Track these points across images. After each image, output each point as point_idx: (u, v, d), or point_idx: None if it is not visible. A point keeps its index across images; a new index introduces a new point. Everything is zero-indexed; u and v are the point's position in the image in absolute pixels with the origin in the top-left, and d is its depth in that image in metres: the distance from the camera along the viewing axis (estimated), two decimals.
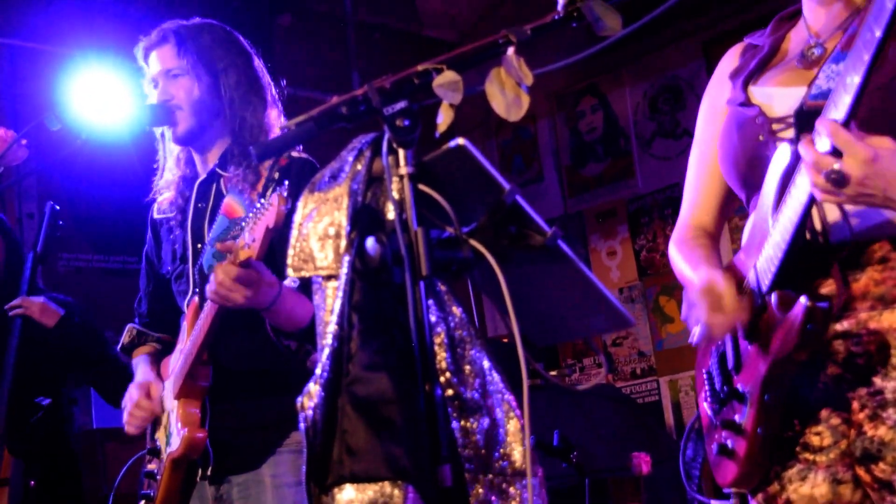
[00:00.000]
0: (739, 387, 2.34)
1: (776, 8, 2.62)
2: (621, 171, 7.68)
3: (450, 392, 1.94)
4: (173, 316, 3.51)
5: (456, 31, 7.95)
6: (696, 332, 2.38)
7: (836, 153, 2.01)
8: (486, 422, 1.96)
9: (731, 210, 2.68)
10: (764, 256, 2.24)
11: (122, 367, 4.43)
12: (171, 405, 3.32)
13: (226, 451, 3.27)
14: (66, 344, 4.47)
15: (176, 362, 3.37)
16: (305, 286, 2.77)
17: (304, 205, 2.00)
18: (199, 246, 3.38)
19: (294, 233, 1.99)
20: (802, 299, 2.11)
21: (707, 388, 2.52)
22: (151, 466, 3.42)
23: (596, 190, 7.75)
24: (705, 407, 2.54)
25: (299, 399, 1.84)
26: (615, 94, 7.74)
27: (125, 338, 3.67)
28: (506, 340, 7.08)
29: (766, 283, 2.24)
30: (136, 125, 3.60)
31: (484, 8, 7.84)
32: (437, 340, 1.95)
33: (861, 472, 2.26)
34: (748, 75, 2.45)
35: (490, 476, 1.95)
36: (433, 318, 1.96)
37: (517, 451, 1.96)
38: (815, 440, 2.32)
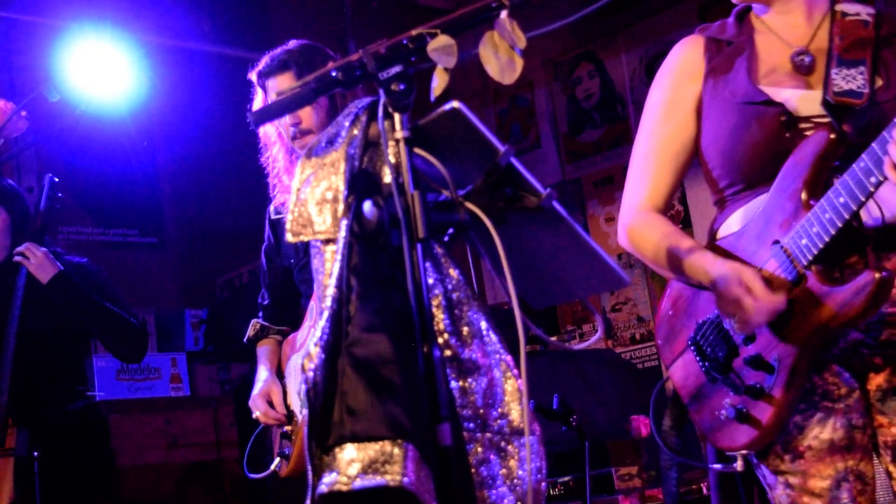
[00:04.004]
0: (762, 355, 2.49)
1: None
2: (618, 137, 7.68)
3: (448, 353, 1.97)
4: (293, 306, 3.92)
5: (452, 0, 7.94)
6: (735, 324, 2.52)
7: None
8: (484, 381, 1.98)
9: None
10: (801, 235, 2.40)
11: (119, 322, 4.49)
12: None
13: None
14: (60, 303, 4.46)
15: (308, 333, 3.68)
16: None
17: (302, 170, 2.01)
18: None
19: (292, 198, 2.01)
20: (877, 273, 2.30)
21: (696, 357, 2.67)
22: (288, 428, 3.75)
23: (593, 156, 7.76)
24: (688, 376, 2.71)
25: (300, 361, 1.87)
26: (611, 60, 7.73)
27: (250, 331, 4.01)
28: (506, 307, 7.10)
29: (804, 259, 2.40)
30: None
31: None
32: (435, 302, 1.98)
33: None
34: (749, 74, 2.62)
35: (489, 435, 1.98)
36: (430, 280, 1.99)
37: (515, 410, 1.99)
38: (834, 389, 2.52)
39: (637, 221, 2.76)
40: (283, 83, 3.67)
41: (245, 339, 4.03)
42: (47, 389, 4.52)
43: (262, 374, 3.89)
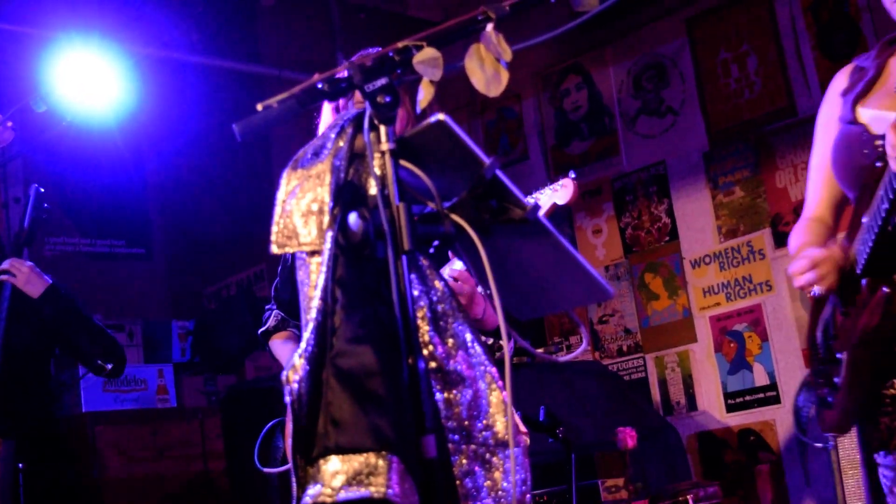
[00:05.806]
0: (836, 353, 2.74)
1: None
2: (606, 150, 7.69)
3: (433, 364, 1.97)
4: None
5: (441, 11, 7.94)
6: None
7: None
8: (469, 393, 1.99)
9: (846, 204, 3.05)
10: (859, 242, 2.61)
11: (106, 337, 4.47)
12: None
13: None
14: (51, 316, 4.43)
15: None
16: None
17: (288, 181, 2.02)
18: None
19: (277, 209, 2.01)
20: (887, 288, 2.51)
21: (818, 353, 2.93)
22: None
23: (581, 168, 7.76)
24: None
25: (284, 373, 1.86)
26: (599, 72, 7.75)
27: (272, 321, 3.74)
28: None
29: (858, 266, 2.61)
30: None
31: None
32: (420, 314, 1.98)
33: None
34: (856, 96, 2.83)
35: (473, 446, 1.98)
36: (416, 292, 1.99)
37: (500, 421, 1.99)
38: None
39: (796, 227, 3.05)
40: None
41: (263, 329, 3.74)
42: (25, 402, 4.50)
43: None
